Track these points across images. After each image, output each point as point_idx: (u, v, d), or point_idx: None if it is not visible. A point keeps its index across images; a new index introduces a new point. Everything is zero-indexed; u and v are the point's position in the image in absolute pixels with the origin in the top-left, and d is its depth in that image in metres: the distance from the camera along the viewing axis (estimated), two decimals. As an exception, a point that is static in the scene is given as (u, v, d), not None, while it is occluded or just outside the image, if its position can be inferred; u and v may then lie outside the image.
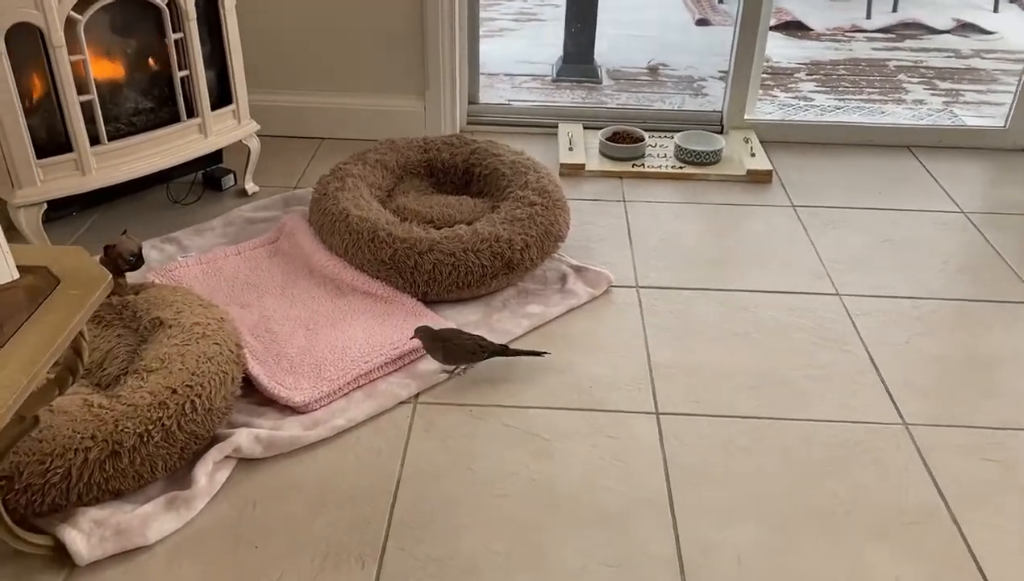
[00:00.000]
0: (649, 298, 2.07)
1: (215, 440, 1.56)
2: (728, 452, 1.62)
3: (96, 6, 2.01)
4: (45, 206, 2.08)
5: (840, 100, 3.43)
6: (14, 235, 2.09)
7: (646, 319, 2.00)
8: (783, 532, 1.46)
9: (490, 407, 1.72)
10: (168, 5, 2.14)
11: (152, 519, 1.41)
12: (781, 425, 1.69)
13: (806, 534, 1.45)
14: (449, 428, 1.67)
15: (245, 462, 1.57)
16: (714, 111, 3.04)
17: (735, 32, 2.84)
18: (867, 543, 1.44)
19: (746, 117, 2.93)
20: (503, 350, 1.79)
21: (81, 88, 2.03)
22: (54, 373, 1.24)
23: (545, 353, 1.83)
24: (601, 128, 2.83)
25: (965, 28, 4.58)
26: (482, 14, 3.07)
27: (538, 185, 2.18)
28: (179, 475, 1.52)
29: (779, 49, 4.15)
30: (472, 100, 3.02)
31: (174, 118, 2.26)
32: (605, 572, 1.38)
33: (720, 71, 3.72)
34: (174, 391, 1.48)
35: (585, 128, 2.92)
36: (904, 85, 3.67)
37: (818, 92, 3.53)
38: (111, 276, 1.23)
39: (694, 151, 2.71)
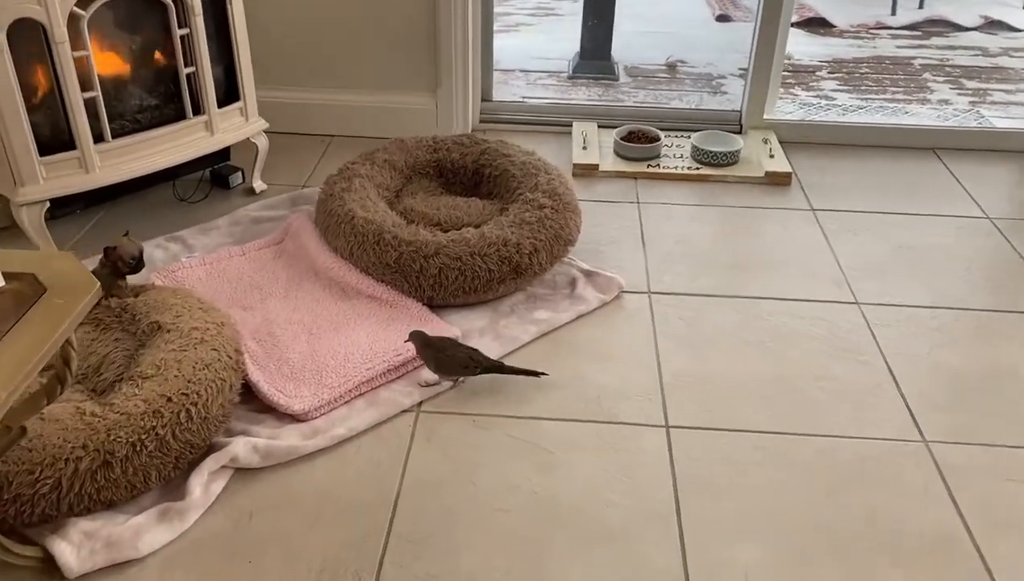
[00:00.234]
0: (661, 304, 2.02)
1: (211, 449, 1.52)
2: (739, 467, 1.57)
3: (100, 1, 1.97)
4: (48, 204, 2.05)
5: (863, 100, 3.35)
6: (16, 233, 2.07)
7: (658, 326, 1.94)
8: (793, 551, 1.40)
9: (494, 417, 1.68)
10: (174, 0, 2.11)
11: (144, 531, 1.38)
12: (795, 440, 1.63)
13: (817, 554, 1.40)
14: (451, 438, 1.62)
15: (242, 472, 1.53)
16: (732, 110, 2.98)
17: (755, 28, 2.77)
18: (881, 567, 1.38)
19: (765, 117, 2.87)
20: (498, 367, 1.73)
21: (85, 84, 2.00)
22: (43, 381, 1.20)
23: (543, 374, 1.75)
24: (616, 127, 2.78)
25: (993, 25, 4.47)
26: (497, 8, 3.02)
27: (549, 187, 2.12)
28: (173, 485, 1.48)
29: (801, 46, 4.06)
30: (485, 97, 2.96)
31: (180, 115, 2.22)
32: (608, 594, 1.34)
33: (740, 68, 3.65)
34: (169, 399, 1.44)
35: (600, 127, 2.87)
36: (929, 84, 3.58)
37: (840, 91, 3.45)
38: (99, 284, 1.19)
39: (711, 152, 2.65)
